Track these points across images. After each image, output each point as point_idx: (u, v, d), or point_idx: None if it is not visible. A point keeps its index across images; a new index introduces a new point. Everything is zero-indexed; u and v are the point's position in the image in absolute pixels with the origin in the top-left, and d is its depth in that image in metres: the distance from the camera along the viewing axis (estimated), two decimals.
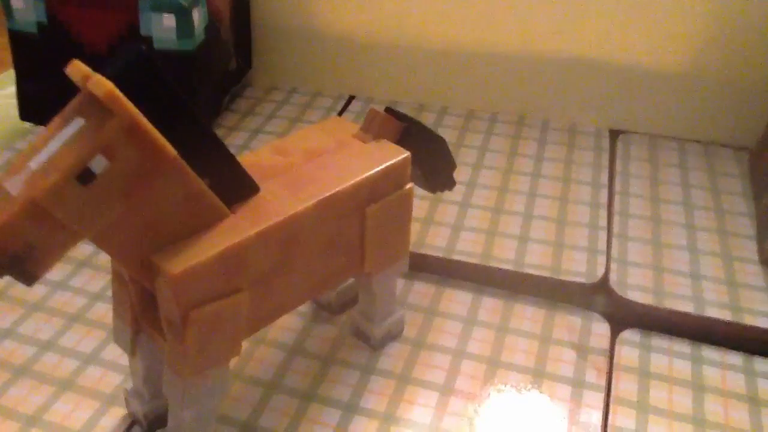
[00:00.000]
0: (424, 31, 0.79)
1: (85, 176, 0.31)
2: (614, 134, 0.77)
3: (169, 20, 0.64)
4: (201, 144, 0.36)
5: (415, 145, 0.47)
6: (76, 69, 0.31)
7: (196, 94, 0.70)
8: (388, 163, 0.43)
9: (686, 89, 0.75)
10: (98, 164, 0.31)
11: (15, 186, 0.31)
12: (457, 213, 0.64)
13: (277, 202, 0.39)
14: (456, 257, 0.59)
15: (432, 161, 0.49)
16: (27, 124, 0.74)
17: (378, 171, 0.42)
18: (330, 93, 0.85)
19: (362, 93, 0.84)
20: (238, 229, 0.37)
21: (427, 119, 0.79)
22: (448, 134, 0.77)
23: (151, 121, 0.32)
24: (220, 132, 0.77)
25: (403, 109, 0.82)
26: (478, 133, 0.77)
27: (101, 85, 0.30)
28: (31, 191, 0.30)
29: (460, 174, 0.70)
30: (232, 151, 0.73)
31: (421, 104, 0.82)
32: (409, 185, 0.45)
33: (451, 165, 0.50)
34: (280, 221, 0.38)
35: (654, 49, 0.73)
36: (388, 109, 0.46)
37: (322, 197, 0.40)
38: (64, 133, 0.31)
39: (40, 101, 0.71)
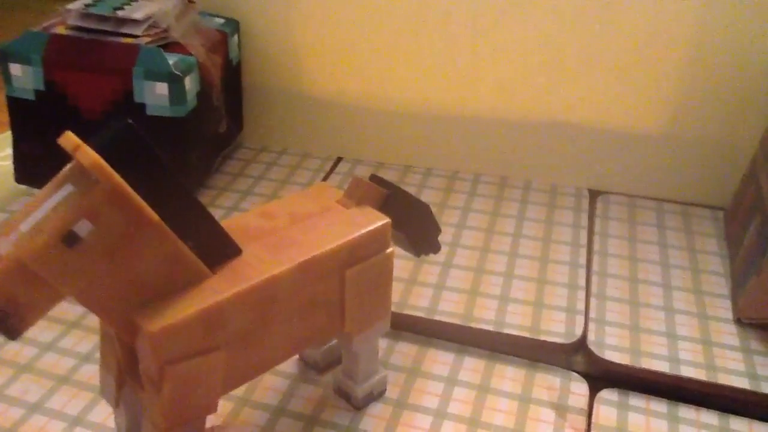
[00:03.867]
0: (409, 95, 0.82)
1: (70, 239, 0.33)
2: (594, 194, 0.79)
3: (162, 88, 0.67)
4: (185, 209, 0.38)
5: (399, 212, 0.49)
6: (68, 139, 0.33)
7: (188, 157, 0.72)
8: (368, 228, 0.45)
9: (663, 151, 0.77)
10: (83, 228, 0.33)
11: (4, 246, 0.33)
12: (439, 273, 0.66)
13: (257, 264, 0.41)
14: (438, 317, 0.60)
15: (416, 226, 0.51)
16: (22, 187, 0.76)
17: (358, 235, 0.44)
18: (318, 154, 0.87)
19: (350, 154, 0.87)
20: (217, 289, 0.39)
21: (413, 180, 0.82)
22: (432, 195, 0.79)
23: (137, 188, 0.35)
24: (211, 193, 0.79)
25: (389, 171, 0.84)
26: (461, 194, 0.79)
27: (87, 155, 0.33)
28: (19, 252, 0.32)
29: (444, 235, 0.72)
30: (223, 212, 0.75)
31: (406, 165, 0.85)
32: (389, 249, 0.47)
33: (435, 230, 0.52)
34: (258, 282, 0.40)
35: (631, 112, 0.76)
36: (373, 177, 0.49)
37: (301, 260, 0.42)
38: (54, 198, 0.34)
39: (36, 165, 0.73)
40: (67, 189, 0.34)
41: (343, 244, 0.44)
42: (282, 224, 0.45)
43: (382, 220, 0.46)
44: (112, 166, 0.33)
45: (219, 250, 0.40)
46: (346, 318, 0.46)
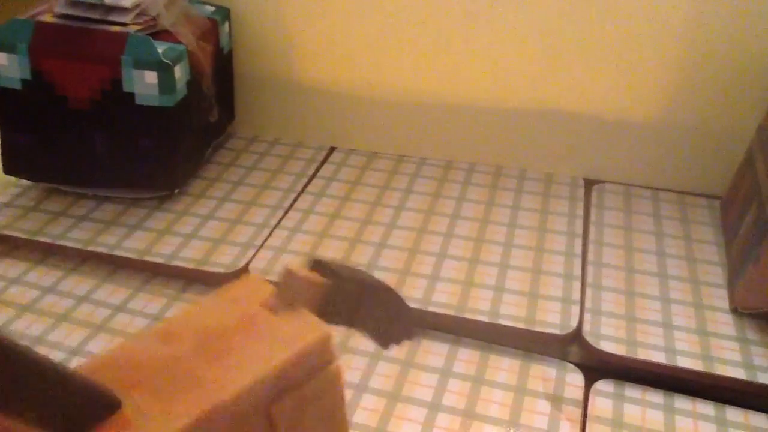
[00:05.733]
0: (403, 83, 0.81)
1: None
2: (589, 184, 0.79)
3: (151, 77, 0.66)
4: (19, 376, 0.28)
5: (351, 303, 0.39)
6: None
7: (178, 147, 0.71)
8: (299, 347, 0.35)
9: (659, 140, 0.77)
10: None
11: None
12: (433, 264, 0.65)
13: (141, 422, 0.31)
14: (432, 308, 0.60)
15: (379, 316, 0.41)
16: (11, 178, 0.75)
17: (285, 359, 0.34)
18: (311, 144, 0.87)
19: (343, 144, 0.86)
20: None
21: (406, 169, 0.81)
22: (426, 185, 0.78)
23: None
24: (202, 184, 0.78)
25: (382, 160, 0.83)
26: (456, 184, 0.78)
27: None
28: None
29: (438, 225, 0.71)
30: (215, 202, 0.74)
31: (400, 155, 0.84)
32: (334, 364, 0.37)
33: (405, 314, 0.42)
34: None
35: (627, 101, 0.76)
36: (314, 262, 0.38)
37: (202, 411, 0.31)
38: None
39: (24, 156, 0.71)
40: None
41: (264, 375, 0.33)
42: (185, 350, 0.34)
43: (317, 332, 0.35)
44: None
45: (84, 409, 0.30)
46: None
